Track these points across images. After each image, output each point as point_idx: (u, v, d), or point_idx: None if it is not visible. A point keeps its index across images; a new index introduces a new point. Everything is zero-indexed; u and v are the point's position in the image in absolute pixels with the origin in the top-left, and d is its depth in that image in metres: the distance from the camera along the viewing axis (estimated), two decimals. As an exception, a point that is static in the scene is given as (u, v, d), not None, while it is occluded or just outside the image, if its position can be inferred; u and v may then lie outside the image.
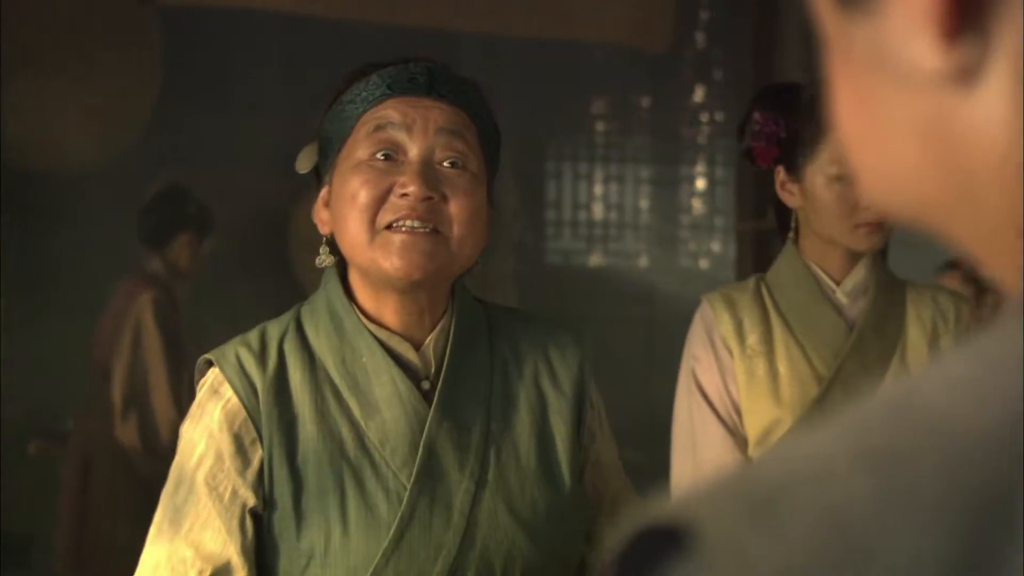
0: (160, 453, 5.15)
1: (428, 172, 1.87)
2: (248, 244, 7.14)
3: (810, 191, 2.69)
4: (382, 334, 1.91)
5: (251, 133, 7.89)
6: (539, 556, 1.90)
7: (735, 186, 6.51)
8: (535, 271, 8.08)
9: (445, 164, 1.89)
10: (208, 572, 1.84)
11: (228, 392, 1.88)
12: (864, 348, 2.72)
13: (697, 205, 8.70)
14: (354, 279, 1.94)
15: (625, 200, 8.66)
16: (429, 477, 1.87)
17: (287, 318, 1.96)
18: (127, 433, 5.32)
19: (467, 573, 1.86)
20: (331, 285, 1.95)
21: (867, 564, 0.57)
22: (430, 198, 1.85)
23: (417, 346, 1.92)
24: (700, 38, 8.10)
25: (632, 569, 0.62)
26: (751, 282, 2.83)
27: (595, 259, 8.44)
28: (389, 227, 1.85)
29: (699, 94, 8.50)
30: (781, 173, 2.73)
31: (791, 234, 2.77)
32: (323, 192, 1.96)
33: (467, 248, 1.88)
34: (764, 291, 2.79)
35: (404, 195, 1.85)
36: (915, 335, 2.73)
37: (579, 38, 6.48)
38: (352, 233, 1.86)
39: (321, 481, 1.86)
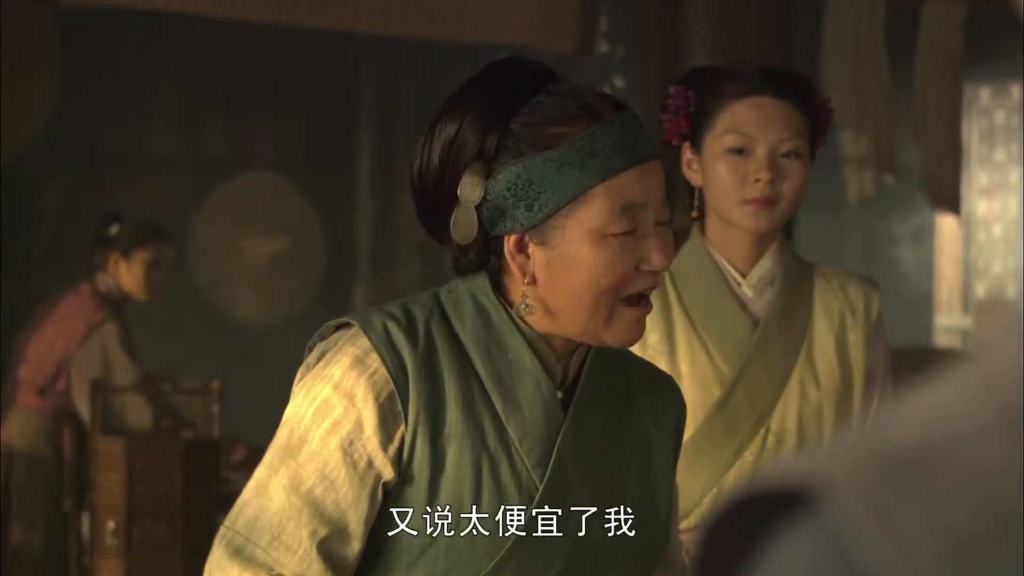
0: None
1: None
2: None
3: (706, 164, 2.64)
4: (531, 335, 1.94)
5: (149, 137, 7.79)
6: None
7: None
8: (440, 273, 8.03)
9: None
10: (323, 534, 1.86)
11: (375, 363, 1.87)
12: (768, 347, 2.66)
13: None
14: (537, 313, 1.94)
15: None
16: (560, 481, 1.91)
17: (428, 301, 1.96)
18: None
19: None
20: (478, 282, 1.95)
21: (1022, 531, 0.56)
22: None
23: (559, 356, 1.96)
24: (604, 41, 8.09)
25: (741, 533, 0.61)
26: None
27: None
28: (625, 300, 1.90)
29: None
30: (687, 151, 2.67)
31: (694, 213, 2.70)
32: (523, 239, 1.90)
33: None
34: (668, 281, 2.68)
35: (650, 271, 1.90)
36: (822, 330, 2.67)
37: (483, 41, 6.44)
38: (584, 304, 1.89)
39: (460, 466, 1.88)
